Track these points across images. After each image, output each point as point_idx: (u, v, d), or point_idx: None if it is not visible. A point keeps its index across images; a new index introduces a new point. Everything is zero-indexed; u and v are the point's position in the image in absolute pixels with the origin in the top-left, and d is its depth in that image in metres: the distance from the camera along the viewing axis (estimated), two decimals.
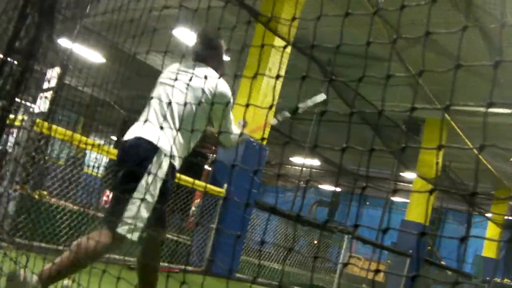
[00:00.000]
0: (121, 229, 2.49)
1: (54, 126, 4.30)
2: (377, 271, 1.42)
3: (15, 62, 2.05)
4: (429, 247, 15.06)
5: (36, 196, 4.39)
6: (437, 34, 7.62)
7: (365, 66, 1.60)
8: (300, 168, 20.69)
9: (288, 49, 7.28)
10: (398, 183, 17.57)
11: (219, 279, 6.43)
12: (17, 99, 2.09)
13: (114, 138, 12.92)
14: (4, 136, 2.24)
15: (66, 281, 2.56)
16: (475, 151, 11.37)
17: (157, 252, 2.83)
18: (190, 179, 6.17)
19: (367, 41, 1.41)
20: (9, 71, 2.05)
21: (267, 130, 7.21)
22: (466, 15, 6.63)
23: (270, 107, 1.90)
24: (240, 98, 7.22)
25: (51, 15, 2.02)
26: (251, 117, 7.01)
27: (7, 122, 2.13)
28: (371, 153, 1.33)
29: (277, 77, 1.95)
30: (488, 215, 16.25)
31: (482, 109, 9.05)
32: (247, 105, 2.21)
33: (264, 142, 7.21)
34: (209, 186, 6.68)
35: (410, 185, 15.37)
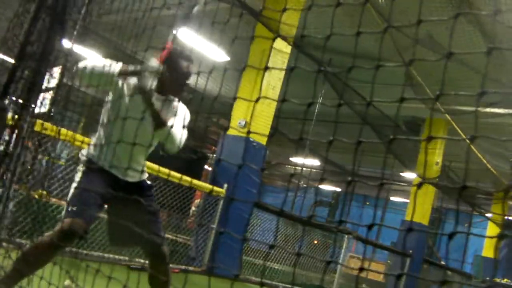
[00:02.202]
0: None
1: (54, 126, 4.30)
2: (361, 269, 1.42)
3: (27, 67, 2.05)
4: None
5: (36, 196, 4.39)
6: (437, 35, 7.60)
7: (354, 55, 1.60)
8: (300, 168, 20.68)
9: (288, 49, 7.28)
10: (398, 182, 17.57)
11: (219, 279, 6.43)
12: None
13: None
14: (15, 137, 2.25)
15: (67, 282, 2.56)
16: (476, 151, 11.37)
17: (161, 264, 2.84)
18: (189, 179, 6.17)
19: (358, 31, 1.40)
20: (20, 75, 2.05)
21: (267, 129, 7.22)
22: (465, 16, 6.63)
23: (257, 100, 1.88)
24: (240, 98, 7.22)
25: (63, 19, 2.01)
26: (251, 117, 7.02)
27: (18, 125, 2.14)
28: (358, 145, 1.33)
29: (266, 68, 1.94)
30: (488, 215, 16.24)
31: (482, 109, 9.04)
32: (255, 102, 2.19)
33: (264, 142, 7.21)
34: (209, 186, 6.68)
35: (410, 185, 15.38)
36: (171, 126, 2.75)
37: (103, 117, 2.90)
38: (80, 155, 2.94)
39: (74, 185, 2.80)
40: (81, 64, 2.72)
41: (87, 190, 2.70)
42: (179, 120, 2.86)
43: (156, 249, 2.82)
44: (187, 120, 2.99)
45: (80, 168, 2.85)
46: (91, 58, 2.79)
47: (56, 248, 2.60)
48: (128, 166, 2.79)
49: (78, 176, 2.82)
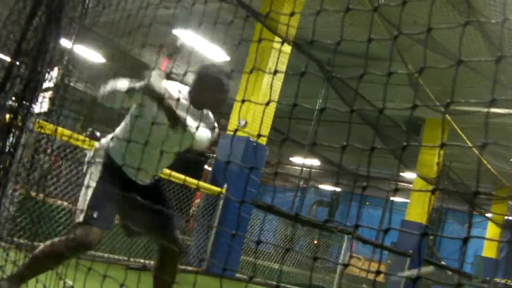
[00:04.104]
0: (77, 218, 2.55)
1: (54, 126, 4.30)
2: (378, 272, 1.41)
3: (23, 64, 2.05)
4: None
5: (37, 196, 4.38)
6: (438, 35, 7.60)
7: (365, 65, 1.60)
8: (300, 168, 20.67)
9: (288, 49, 7.27)
10: (398, 183, 17.56)
11: (219, 279, 6.42)
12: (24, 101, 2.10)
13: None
14: (12, 138, 2.24)
15: (70, 282, 2.55)
16: (476, 151, 11.36)
17: (172, 265, 2.81)
18: (189, 179, 6.17)
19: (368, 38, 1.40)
20: (16, 73, 2.04)
21: (267, 129, 7.22)
22: (467, 16, 6.63)
23: (268, 103, 1.88)
24: (240, 98, 7.22)
25: (59, 17, 2.01)
26: (251, 117, 7.02)
27: (15, 123, 2.14)
28: (371, 152, 1.33)
29: (275, 73, 1.95)
30: (488, 215, 16.24)
31: (483, 109, 9.05)
32: (243, 101, 2.20)
33: (265, 142, 7.20)
34: (209, 186, 6.67)
35: (410, 185, 15.38)
36: (185, 122, 2.65)
37: (128, 121, 2.77)
38: (98, 146, 2.77)
39: (92, 184, 2.60)
40: (101, 93, 2.64)
41: (106, 194, 2.56)
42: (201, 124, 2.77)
43: (170, 234, 2.76)
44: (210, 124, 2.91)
45: (97, 160, 2.68)
46: (109, 84, 2.65)
47: (70, 255, 2.46)
48: (155, 172, 2.75)
49: (96, 175, 2.64)
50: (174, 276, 2.81)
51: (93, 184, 2.59)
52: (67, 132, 4.47)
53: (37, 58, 2.04)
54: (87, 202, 2.54)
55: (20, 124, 2.19)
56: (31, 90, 2.08)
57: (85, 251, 2.53)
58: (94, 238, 2.46)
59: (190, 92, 2.81)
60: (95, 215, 2.47)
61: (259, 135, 1.90)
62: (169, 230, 2.79)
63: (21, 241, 4.29)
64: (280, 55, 7.11)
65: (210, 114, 2.96)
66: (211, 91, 2.78)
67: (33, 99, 2.16)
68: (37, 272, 2.52)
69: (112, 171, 2.67)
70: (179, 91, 2.78)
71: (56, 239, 2.53)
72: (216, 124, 2.96)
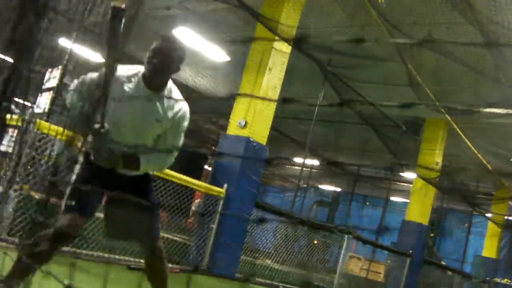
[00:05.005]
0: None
1: (54, 126, 4.30)
2: None
3: (19, 65, 2.04)
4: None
5: (36, 196, 4.38)
6: (437, 35, 7.60)
7: None
8: (300, 168, 20.66)
9: (288, 49, 7.26)
10: (398, 183, 17.58)
11: (219, 279, 6.42)
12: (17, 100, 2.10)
13: None
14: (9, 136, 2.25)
15: (66, 282, 2.55)
16: (476, 151, 11.36)
17: (157, 267, 2.82)
18: (190, 179, 6.17)
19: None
20: (8, 72, 2.04)
21: (267, 130, 7.22)
22: (466, 17, 6.63)
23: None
24: (240, 98, 7.21)
25: (49, 14, 2.00)
26: (251, 117, 7.01)
27: (9, 122, 2.14)
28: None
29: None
30: (488, 215, 16.23)
31: (483, 109, 9.04)
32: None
33: (264, 142, 7.19)
34: (209, 186, 6.67)
35: (410, 185, 15.39)
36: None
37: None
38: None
39: (73, 177, 2.74)
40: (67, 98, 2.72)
41: (86, 183, 2.62)
42: (173, 126, 2.75)
43: (150, 244, 2.78)
44: (184, 122, 2.80)
45: (80, 158, 2.79)
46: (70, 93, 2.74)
47: (58, 245, 2.58)
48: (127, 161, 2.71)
49: (77, 168, 2.77)
50: (164, 276, 2.83)
51: (73, 176, 2.73)
52: (68, 132, 4.47)
53: (29, 56, 2.04)
54: (67, 194, 2.66)
55: (20, 124, 2.20)
56: (24, 88, 2.08)
57: (67, 237, 2.59)
58: (71, 223, 2.55)
59: (144, 75, 2.69)
60: (73, 203, 2.58)
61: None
62: (148, 238, 2.77)
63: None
64: (278, 54, 7.10)
65: (175, 90, 2.80)
66: (165, 63, 2.65)
67: (35, 101, 2.16)
68: (28, 270, 2.53)
69: (90, 163, 2.71)
70: (136, 75, 2.71)
71: (41, 233, 2.59)
72: (185, 104, 2.78)
